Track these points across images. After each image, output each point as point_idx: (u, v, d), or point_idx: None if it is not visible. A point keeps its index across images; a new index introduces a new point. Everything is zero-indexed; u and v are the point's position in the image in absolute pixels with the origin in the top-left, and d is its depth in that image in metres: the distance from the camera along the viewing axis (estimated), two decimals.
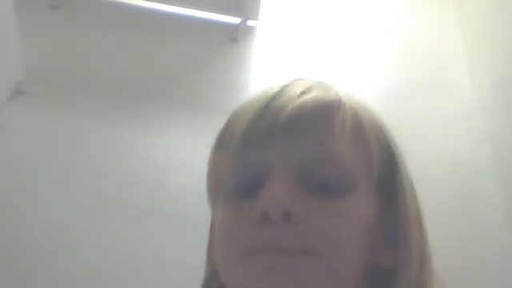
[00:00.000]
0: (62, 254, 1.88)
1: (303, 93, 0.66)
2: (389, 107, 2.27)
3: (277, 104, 0.65)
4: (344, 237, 0.63)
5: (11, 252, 1.85)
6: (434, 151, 2.18)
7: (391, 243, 0.66)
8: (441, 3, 3.08)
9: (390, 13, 3.05)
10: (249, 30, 2.85)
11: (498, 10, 2.47)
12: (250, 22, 2.91)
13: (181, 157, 2.19)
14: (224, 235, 0.66)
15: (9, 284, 1.78)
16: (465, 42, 2.78)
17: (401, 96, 2.49)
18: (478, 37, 2.68)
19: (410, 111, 2.34)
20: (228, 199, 0.67)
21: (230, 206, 0.66)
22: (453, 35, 2.85)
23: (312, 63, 2.60)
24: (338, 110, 0.66)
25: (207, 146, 2.40)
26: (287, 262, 0.61)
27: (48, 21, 2.74)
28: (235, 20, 2.88)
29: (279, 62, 2.66)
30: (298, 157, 0.64)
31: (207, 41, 2.76)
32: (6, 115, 2.26)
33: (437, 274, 0.67)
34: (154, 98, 2.42)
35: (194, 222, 1.97)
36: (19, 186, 2.05)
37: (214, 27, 2.87)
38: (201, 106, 2.40)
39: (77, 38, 2.68)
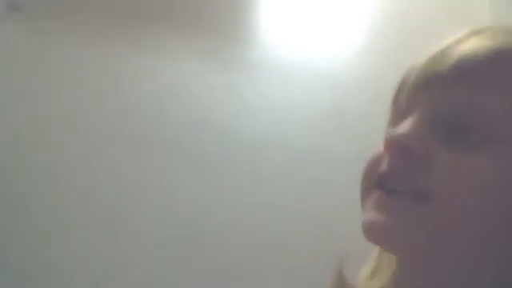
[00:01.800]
0: (63, 177, 1.85)
1: (486, 40, 0.64)
2: (404, 54, 2.20)
3: (449, 53, 0.64)
4: (467, 192, 0.59)
5: (10, 176, 1.80)
6: None
7: None
8: None
9: None
10: None
11: None
12: None
13: (182, 81, 2.12)
14: (365, 164, 0.68)
15: (8, 210, 1.75)
16: None
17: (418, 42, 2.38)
18: None
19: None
20: (385, 132, 0.68)
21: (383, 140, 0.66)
22: None
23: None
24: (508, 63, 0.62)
25: (211, 70, 2.31)
26: (396, 202, 0.60)
27: None
28: None
29: None
30: (442, 102, 0.62)
31: None
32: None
33: None
34: (153, 18, 2.28)
35: (195, 149, 1.92)
36: (17, 108, 1.98)
37: None
38: (204, 28, 2.29)
39: None
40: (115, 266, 1.77)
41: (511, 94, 0.61)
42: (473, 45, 0.63)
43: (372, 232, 0.61)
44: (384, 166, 0.63)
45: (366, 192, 0.65)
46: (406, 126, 0.61)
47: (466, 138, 0.60)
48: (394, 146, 0.61)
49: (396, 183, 0.61)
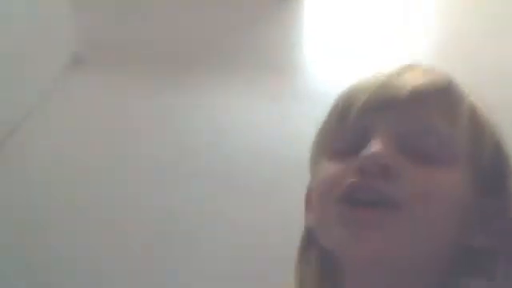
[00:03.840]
0: (125, 217, 1.91)
1: (426, 73, 0.74)
2: (449, 58, 2.19)
3: (400, 81, 0.72)
4: (435, 202, 0.67)
5: (75, 219, 1.88)
6: (499, 100, 2.07)
7: (486, 227, 0.71)
8: None
9: None
10: None
11: None
12: None
13: (236, 118, 2.17)
14: (322, 185, 0.72)
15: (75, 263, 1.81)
16: None
17: (463, 44, 2.38)
18: None
19: (472, 60, 2.23)
20: (330, 158, 0.73)
21: (331, 163, 0.72)
22: None
23: (366, 17, 2.50)
24: (457, 95, 0.73)
25: (260, 102, 2.34)
26: (373, 211, 0.65)
27: None
28: None
29: (332, 16, 2.58)
30: (403, 125, 0.70)
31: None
32: (63, 85, 2.28)
33: None
34: (204, 57, 2.38)
35: (249, 179, 1.95)
36: (83, 154, 2.07)
37: None
38: (252, 61, 2.34)
39: (132, 4, 2.67)
40: None
41: (455, 121, 0.72)
42: (419, 78, 0.73)
43: (372, 250, 0.67)
44: (352, 180, 0.68)
45: (327, 207, 0.70)
46: (377, 146, 0.68)
47: (427, 155, 0.69)
48: (373, 162, 0.67)
49: (368, 193, 0.67)
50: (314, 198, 0.76)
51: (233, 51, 2.43)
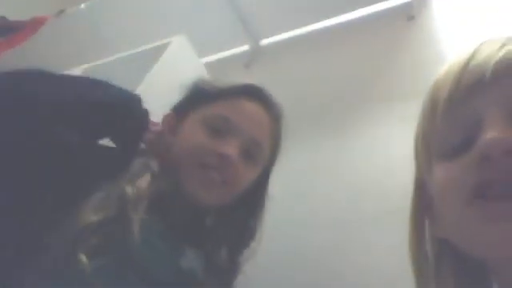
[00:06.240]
0: None
1: (503, 45, 0.67)
2: None
3: (479, 60, 0.66)
4: None
5: None
6: None
7: None
8: None
9: None
10: (425, 5, 2.69)
11: None
12: None
13: (387, 147, 2.19)
14: (446, 187, 0.66)
15: None
16: None
17: None
18: None
19: None
20: (444, 158, 0.67)
21: (447, 164, 0.66)
22: None
23: (498, 30, 2.41)
24: None
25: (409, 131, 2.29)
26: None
27: None
28: None
29: (462, 30, 2.47)
30: (510, 100, 0.62)
31: (384, 25, 2.75)
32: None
33: None
34: (351, 100, 2.46)
35: None
36: None
37: (388, 10, 2.83)
38: (394, 95, 2.34)
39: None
40: None
41: None
42: (500, 49, 0.66)
43: None
44: (487, 174, 0.62)
45: (458, 211, 0.64)
46: (494, 131, 0.61)
47: None
48: (498, 148, 0.60)
49: (499, 187, 0.61)
50: (439, 206, 0.70)
51: (384, 82, 2.43)
